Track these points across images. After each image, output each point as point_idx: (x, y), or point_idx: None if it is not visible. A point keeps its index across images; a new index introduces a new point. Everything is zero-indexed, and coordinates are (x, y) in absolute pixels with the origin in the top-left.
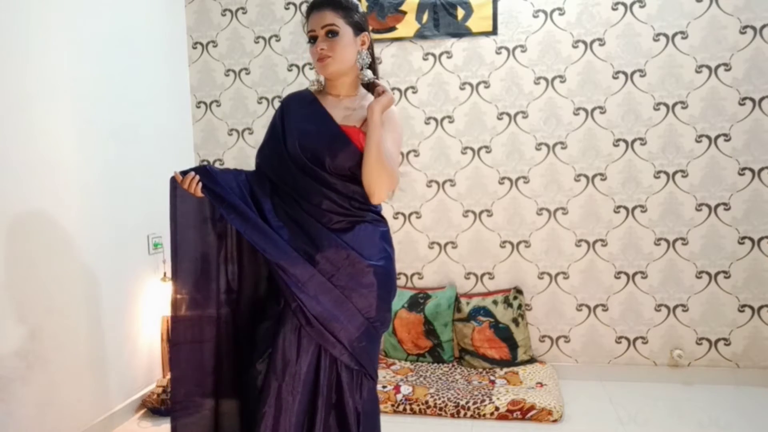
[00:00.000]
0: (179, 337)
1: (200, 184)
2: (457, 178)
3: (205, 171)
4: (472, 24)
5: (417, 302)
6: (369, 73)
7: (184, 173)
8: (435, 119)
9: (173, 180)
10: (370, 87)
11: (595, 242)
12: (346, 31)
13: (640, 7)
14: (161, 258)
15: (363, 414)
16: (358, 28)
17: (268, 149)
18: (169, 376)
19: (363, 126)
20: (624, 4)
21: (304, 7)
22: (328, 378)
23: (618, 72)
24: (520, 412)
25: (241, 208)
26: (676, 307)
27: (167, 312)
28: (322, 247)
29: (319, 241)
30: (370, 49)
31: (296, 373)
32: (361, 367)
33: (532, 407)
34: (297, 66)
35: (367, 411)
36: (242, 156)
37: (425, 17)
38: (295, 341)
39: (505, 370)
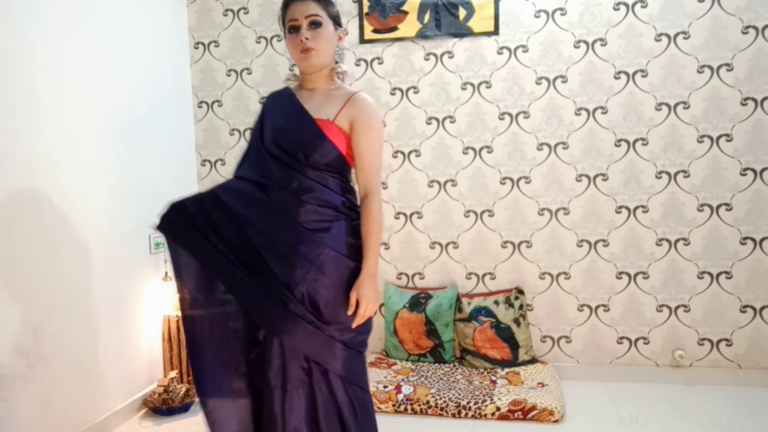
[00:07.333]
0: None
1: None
2: (458, 178)
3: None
4: (474, 24)
5: (418, 302)
6: (345, 67)
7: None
8: (436, 119)
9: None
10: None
11: (596, 242)
12: (328, 23)
13: (642, 7)
14: (162, 257)
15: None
16: (337, 22)
17: (250, 150)
18: (171, 375)
19: (336, 119)
20: (626, 4)
21: None
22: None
23: (620, 72)
24: (522, 412)
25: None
26: (677, 307)
27: (169, 311)
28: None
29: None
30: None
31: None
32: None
33: (534, 407)
34: None
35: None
36: None
37: (427, 17)
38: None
39: (507, 370)
